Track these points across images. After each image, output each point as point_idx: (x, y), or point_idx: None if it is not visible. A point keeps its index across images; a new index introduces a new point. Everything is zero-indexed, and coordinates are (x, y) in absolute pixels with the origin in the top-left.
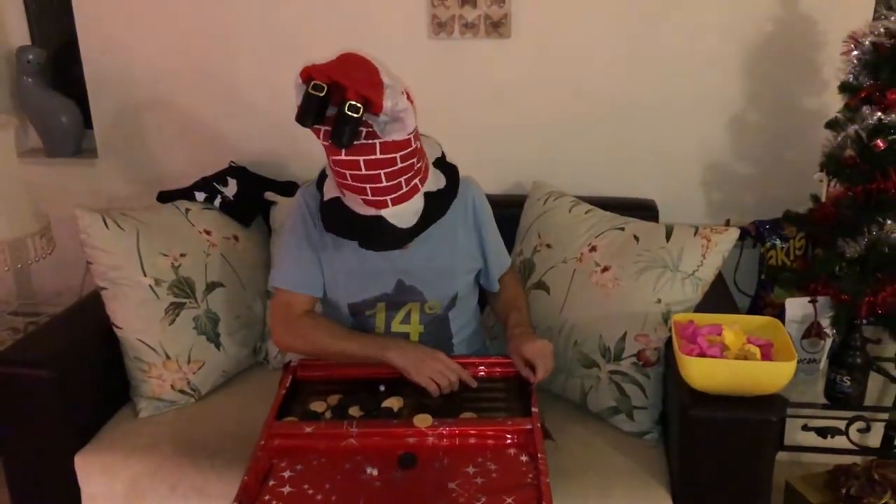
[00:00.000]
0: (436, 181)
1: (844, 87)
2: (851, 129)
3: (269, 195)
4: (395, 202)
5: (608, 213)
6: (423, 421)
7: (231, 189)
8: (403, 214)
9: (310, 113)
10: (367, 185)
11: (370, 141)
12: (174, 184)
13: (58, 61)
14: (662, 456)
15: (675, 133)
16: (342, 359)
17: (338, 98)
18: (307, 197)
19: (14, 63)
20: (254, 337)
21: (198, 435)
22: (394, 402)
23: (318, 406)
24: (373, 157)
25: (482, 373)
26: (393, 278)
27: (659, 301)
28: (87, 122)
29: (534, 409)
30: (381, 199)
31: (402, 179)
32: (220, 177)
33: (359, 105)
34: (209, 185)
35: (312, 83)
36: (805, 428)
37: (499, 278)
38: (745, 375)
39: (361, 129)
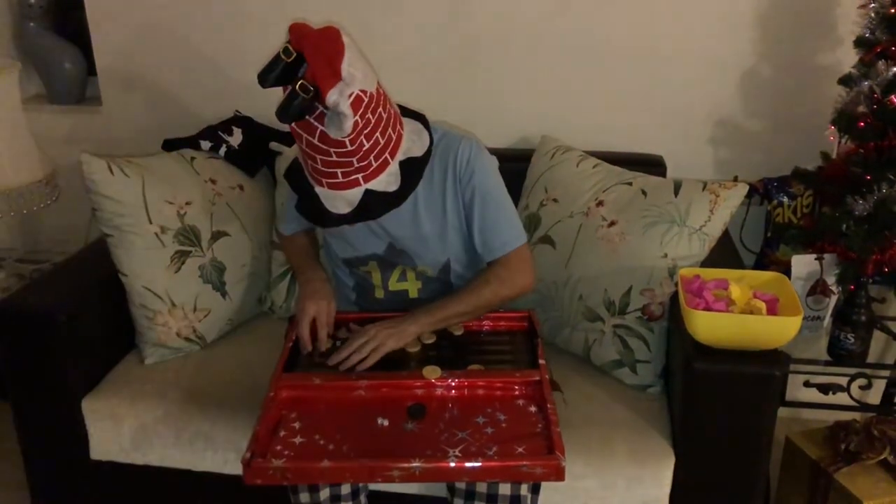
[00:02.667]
0: (389, 182)
1: (860, 42)
2: (865, 84)
3: (275, 145)
4: (330, 187)
5: (616, 168)
6: (431, 372)
7: (236, 138)
8: (334, 200)
9: (272, 73)
10: (309, 161)
11: (314, 123)
12: (179, 133)
13: (61, 5)
14: (665, 409)
15: (686, 89)
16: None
17: (298, 71)
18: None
19: (16, 6)
20: (259, 286)
21: (204, 382)
22: None
23: (323, 343)
24: (312, 138)
25: (487, 326)
26: (384, 241)
27: (665, 256)
28: (92, 69)
29: (541, 361)
30: (318, 178)
31: (338, 171)
32: (226, 126)
33: (310, 87)
34: (214, 134)
35: (285, 45)
36: (807, 384)
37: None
38: (750, 330)
39: (317, 105)
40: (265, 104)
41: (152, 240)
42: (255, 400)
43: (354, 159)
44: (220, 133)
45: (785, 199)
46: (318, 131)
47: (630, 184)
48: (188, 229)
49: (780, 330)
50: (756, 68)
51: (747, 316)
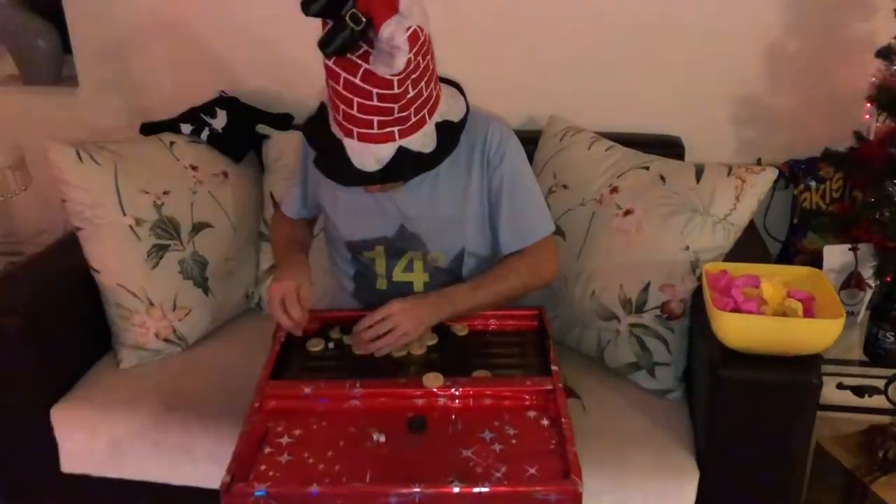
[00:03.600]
0: (424, 142)
1: None
2: None
3: (262, 128)
4: (361, 138)
5: (631, 151)
6: (433, 380)
7: (220, 121)
8: (363, 155)
9: (317, 1)
10: (342, 106)
11: (357, 61)
12: (162, 115)
13: None
14: (686, 417)
15: (705, 63)
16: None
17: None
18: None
19: None
20: (246, 282)
21: (184, 388)
22: None
23: (314, 345)
24: (353, 78)
25: (493, 326)
26: (395, 222)
27: (687, 248)
28: (68, 47)
29: (553, 368)
30: (349, 127)
31: (374, 119)
32: (209, 108)
33: (362, 18)
34: (197, 116)
35: None
36: (840, 386)
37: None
38: (786, 334)
39: (361, 44)
40: (253, 84)
41: (126, 233)
42: (239, 407)
43: (396, 106)
44: (202, 115)
45: (813, 183)
46: (360, 70)
47: (647, 168)
48: (166, 221)
49: (819, 334)
50: (782, 40)
51: (783, 318)
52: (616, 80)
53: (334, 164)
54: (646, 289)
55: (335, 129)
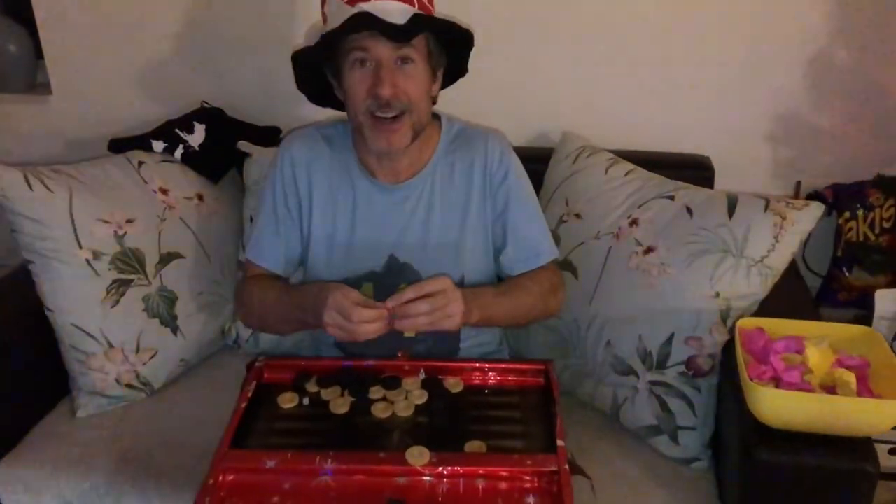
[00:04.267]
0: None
1: None
2: None
3: (243, 145)
4: None
5: (654, 176)
6: (417, 457)
7: (197, 136)
8: (391, 11)
9: None
10: None
11: None
12: (142, 126)
13: None
14: (713, 489)
15: (738, 75)
16: (283, 329)
17: None
18: (290, 147)
19: None
20: (221, 318)
21: (145, 443)
22: (378, 393)
23: (287, 400)
24: None
25: (493, 380)
26: (383, 252)
27: (717, 295)
28: (41, 52)
29: (560, 444)
30: None
31: None
32: (186, 122)
33: None
34: (171, 132)
35: None
36: (894, 452)
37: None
38: (837, 414)
39: None
40: (238, 95)
41: (82, 268)
42: (203, 467)
43: None
44: (177, 131)
45: (860, 211)
46: None
47: (672, 198)
48: (128, 253)
49: (876, 416)
50: (828, 50)
51: (832, 398)
52: (637, 94)
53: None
54: (669, 341)
55: (346, 12)
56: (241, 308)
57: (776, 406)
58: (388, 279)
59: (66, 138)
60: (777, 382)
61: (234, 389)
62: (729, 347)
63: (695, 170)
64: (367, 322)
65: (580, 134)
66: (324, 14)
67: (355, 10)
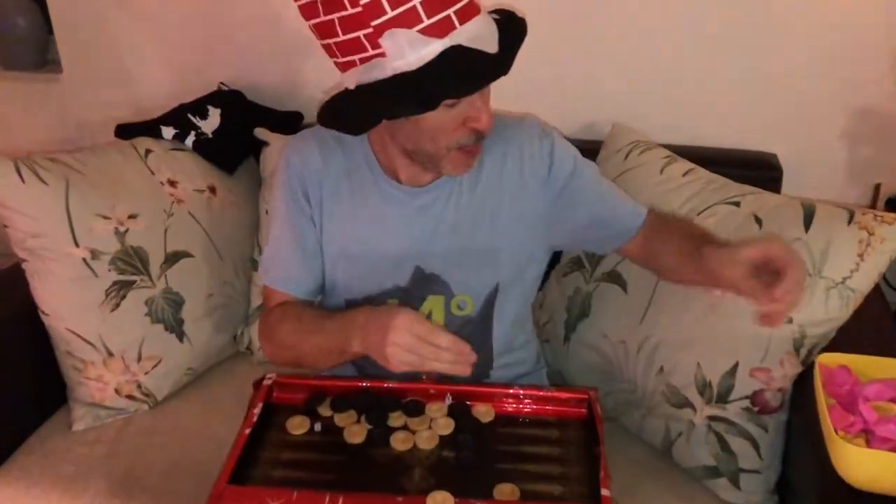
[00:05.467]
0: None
1: None
2: None
3: (260, 132)
4: (463, 15)
5: (717, 178)
6: (440, 502)
7: (211, 122)
8: (481, 35)
9: None
10: None
11: None
12: (157, 108)
13: None
14: None
15: (810, 60)
16: (320, 361)
17: None
18: (296, 153)
19: None
20: (234, 321)
21: (145, 462)
22: (399, 420)
23: (297, 426)
24: None
25: (527, 410)
26: (409, 265)
27: (790, 320)
28: (52, 27)
29: (604, 493)
30: (443, 13)
31: None
32: (199, 106)
33: None
34: (182, 117)
35: None
36: None
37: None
38: None
39: None
40: (259, 76)
41: (79, 268)
42: (205, 491)
43: None
44: (189, 116)
45: None
46: None
47: (737, 204)
48: (131, 252)
49: None
50: None
51: None
52: (696, 82)
53: (454, 71)
54: (732, 371)
55: (421, 48)
56: (268, 344)
57: (869, 468)
58: (415, 293)
59: (76, 120)
60: (868, 436)
61: (245, 401)
62: (802, 381)
63: (760, 169)
64: (447, 349)
65: (631, 126)
66: (373, 43)
67: (447, 43)
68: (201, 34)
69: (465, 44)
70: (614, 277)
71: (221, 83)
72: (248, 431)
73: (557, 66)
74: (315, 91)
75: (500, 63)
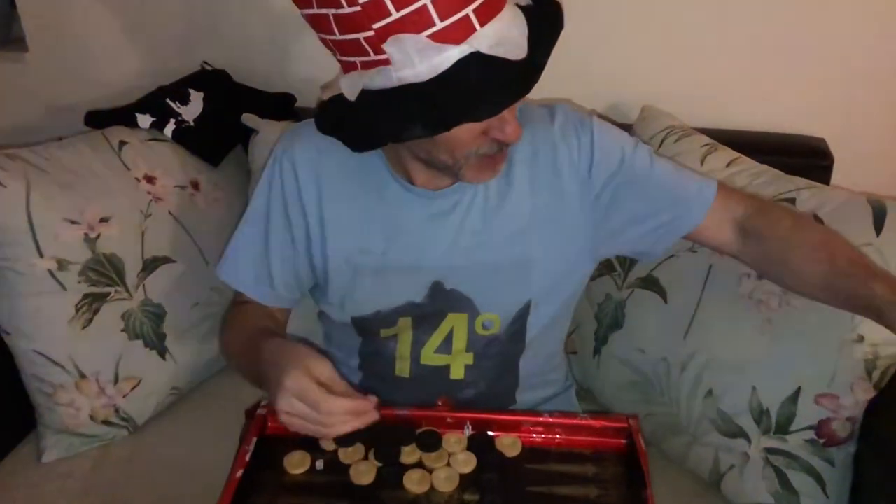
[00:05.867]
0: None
1: None
2: None
3: (248, 119)
4: (485, 13)
5: (765, 168)
6: None
7: (193, 108)
8: (507, 36)
9: None
10: None
11: None
12: (132, 91)
13: None
14: None
15: (863, 36)
16: (254, 385)
17: None
18: (288, 154)
19: None
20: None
21: (123, 498)
22: (413, 456)
23: (296, 464)
24: None
25: (559, 439)
26: (425, 278)
27: (860, 339)
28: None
29: None
30: (460, 13)
31: None
32: (180, 90)
33: None
34: (161, 103)
35: None
36: None
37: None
38: None
39: None
40: (245, 54)
41: (45, 281)
42: None
43: None
44: (168, 101)
45: None
46: None
47: (793, 201)
48: (103, 261)
49: None
50: None
51: None
52: (736, 59)
53: (476, 92)
54: (794, 398)
55: (433, 57)
56: (219, 342)
57: None
58: (432, 311)
59: (43, 104)
60: None
61: (237, 424)
62: (874, 408)
63: (808, 157)
64: (341, 415)
65: (664, 109)
66: (375, 49)
67: (465, 50)
68: (182, 7)
69: (487, 51)
70: (650, 283)
71: (204, 62)
72: (239, 474)
73: (580, 40)
74: (310, 69)
75: (530, 72)
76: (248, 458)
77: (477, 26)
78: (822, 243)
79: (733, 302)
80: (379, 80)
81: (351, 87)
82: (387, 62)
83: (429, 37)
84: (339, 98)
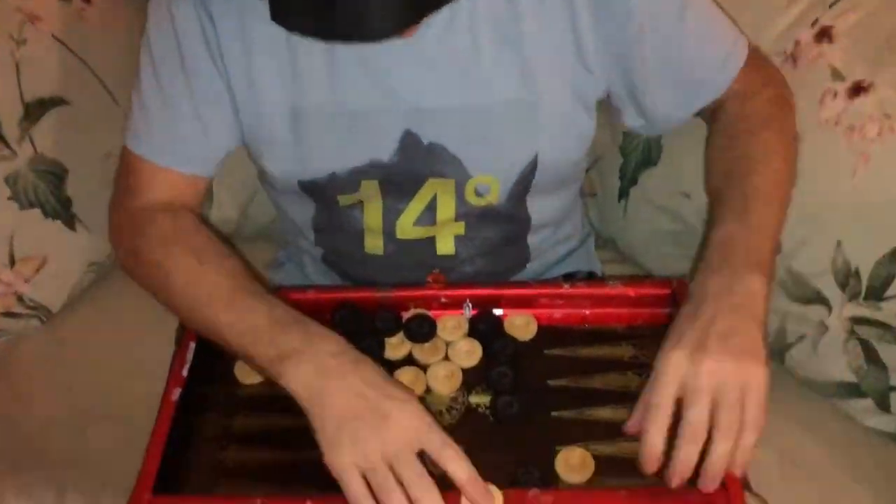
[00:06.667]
0: None
1: None
2: None
3: None
4: None
5: None
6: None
7: None
8: None
9: None
10: None
11: None
12: None
13: None
14: None
15: None
16: (214, 338)
17: None
18: None
19: None
20: None
21: (38, 410)
22: (401, 349)
23: (248, 372)
24: None
25: (586, 312)
26: (393, 127)
27: None
28: None
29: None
30: None
31: None
32: None
33: None
34: None
35: None
36: None
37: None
38: None
39: None
40: None
41: None
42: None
43: None
44: None
45: None
46: None
47: None
48: None
49: None
50: None
51: None
52: None
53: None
54: (893, 256)
55: None
56: (131, 261)
57: None
58: (404, 172)
59: None
60: None
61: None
62: None
63: None
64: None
65: None
66: None
67: None
68: None
69: None
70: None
71: None
72: (177, 395)
73: None
74: None
75: None
76: (185, 372)
77: None
78: (747, 161)
79: (812, 130)
80: None
81: None
82: None
83: None
84: None
